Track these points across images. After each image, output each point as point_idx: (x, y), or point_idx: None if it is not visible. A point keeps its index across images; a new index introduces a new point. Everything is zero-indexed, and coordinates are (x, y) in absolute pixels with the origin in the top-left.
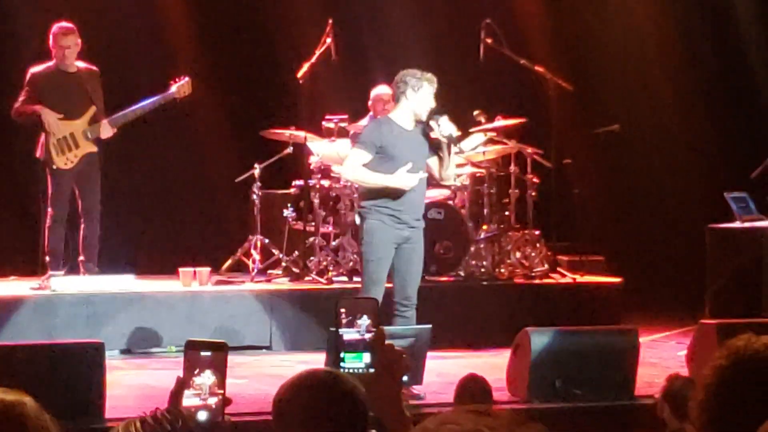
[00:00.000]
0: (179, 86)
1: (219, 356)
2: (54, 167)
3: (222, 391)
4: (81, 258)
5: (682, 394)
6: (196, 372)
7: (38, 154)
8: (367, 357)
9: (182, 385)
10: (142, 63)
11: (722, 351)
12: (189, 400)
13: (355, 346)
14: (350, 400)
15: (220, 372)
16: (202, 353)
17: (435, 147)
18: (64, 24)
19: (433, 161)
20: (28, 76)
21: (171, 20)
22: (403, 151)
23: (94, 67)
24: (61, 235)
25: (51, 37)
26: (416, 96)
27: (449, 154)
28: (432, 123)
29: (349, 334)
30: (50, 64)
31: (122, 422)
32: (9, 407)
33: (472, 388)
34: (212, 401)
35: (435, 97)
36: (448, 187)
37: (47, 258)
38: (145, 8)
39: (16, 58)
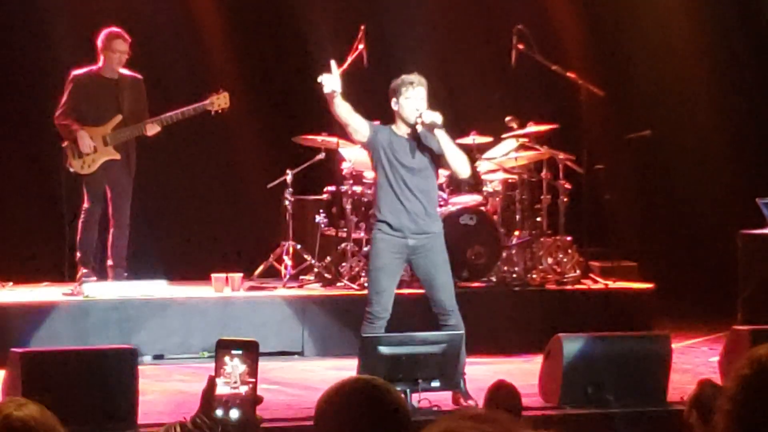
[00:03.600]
0: (214, 99)
1: (250, 354)
2: (71, 170)
3: (254, 380)
4: (109, 263)
5: (711, 401)
6: (224, 362)
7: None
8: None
9: (214, 383)
10: (175, 69)
11: (745, 360)
12: (219, 388)
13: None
14: (395, 412)
15: (252, 365)
16: (233, 351)
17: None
18: (118, 29)
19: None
20: (69, 78)
21: (205, 27)
22: (396, 158)
23: (138, 75)
24: (94, 232)
25: (103, 40)
26: (400, 102)
27: (439, 141)
28: (415, 120)
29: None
30: (93, 68)
31: (161, 427)
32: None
33: (501, 395)
34: (243, 390)
35: (423, 100)
36: (480, 192)
37: (78, 254)
38: (177, 15)
39: (52, 67)
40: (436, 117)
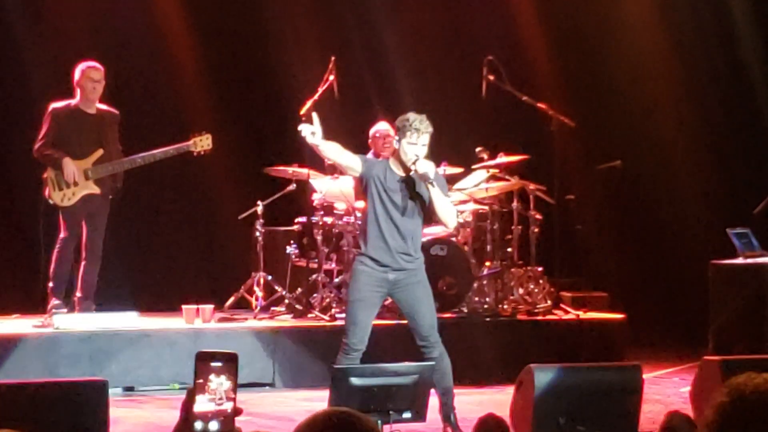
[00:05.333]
0: (197, 140)
1: (230, 366)
2: (51, 202)
3: (234, 396)
4: (78, 295)
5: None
6: (207, 380)
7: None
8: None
9: (193, 395)
10: (148, 103)
11: (723, 389)
12: (204, 405)
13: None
14: None
15: (233, 379)
16: (213, 363)
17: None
18: (91, 61)
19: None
20: (48, 111)
21: (177, 61)
22: (387, 194)
23: (115, 110)
24: (68, 263)
25: (78, 72)
26: (402, 143)
27: (429, 193)
28: (411, 166)
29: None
30: (71, 101)
31: None
32: None
33: (490, 428)
34: (227, 406)
35: (424, 147)
36: None
37: (50, 284)
38: (150, 49)
39: (30, 101)
40: (429, 169)
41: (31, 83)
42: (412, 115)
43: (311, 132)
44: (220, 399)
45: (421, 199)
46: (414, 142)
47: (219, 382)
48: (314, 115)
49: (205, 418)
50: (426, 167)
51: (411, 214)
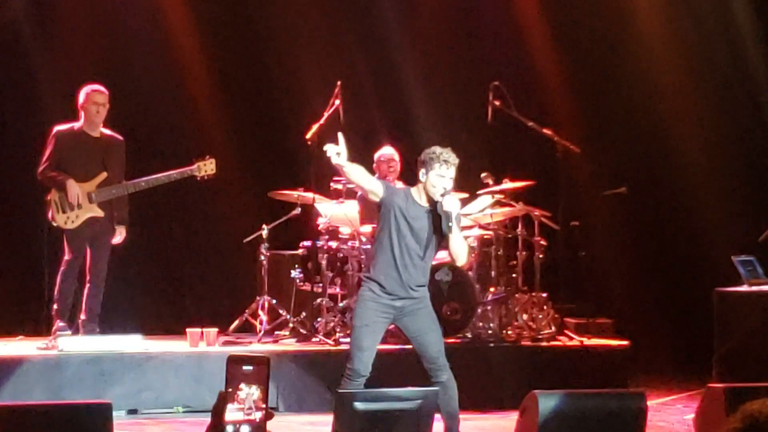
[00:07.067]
0: (201, 165)
1: (261, 370)
2: (54, 224)
3: (265, 406)
4: (82, 317)
5: None
6: (238, 386)
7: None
8: None
9: (225, 399)
10: (155, 127)
11: (737, 414)
12: (233, 414)
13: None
14: None
15: (263, 386)
16: (244, 367)
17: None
18: (95, 84)
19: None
20: (52, 134)
21: (184, 86)
22: (407, 223)
23: (119, 136)
24: (72, 285)
25: (83, 95)
26: (429, 175)
27: (450, 230)
28: (439, 198)
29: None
30: (75, 124)
31: None
32: None
33: None
34: (256, 416)
35: (452, 180)
36: None
37: (54, 306)
38: (158, 73)
39: (34, 123)
40: (455, 208)
41: (36, 105)
42: (438, 148)
43: (336, 153)
44: (249, 409)
45: (440, 233)
46: (443, 174)
47: (248, 392)
48: (340, 136)
49: (235, 423)
50: (452, 205)
51: (427, 244)
